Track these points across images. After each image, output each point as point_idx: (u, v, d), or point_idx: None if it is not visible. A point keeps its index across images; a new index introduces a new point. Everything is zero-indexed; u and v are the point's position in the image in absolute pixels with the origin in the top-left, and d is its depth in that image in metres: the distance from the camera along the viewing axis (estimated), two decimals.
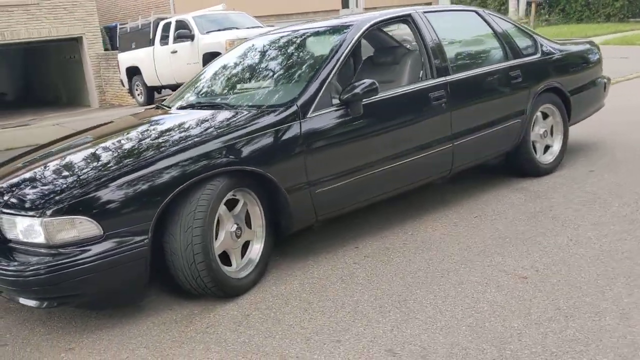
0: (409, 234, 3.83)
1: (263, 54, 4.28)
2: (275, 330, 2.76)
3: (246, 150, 3.13)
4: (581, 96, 5.04)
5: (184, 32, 12.24)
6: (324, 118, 3.41)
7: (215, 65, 4.53)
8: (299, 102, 3.37)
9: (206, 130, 3.26)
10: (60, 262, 2.61)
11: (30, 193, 2.88)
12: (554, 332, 2.51)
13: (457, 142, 4.05)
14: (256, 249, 3.30)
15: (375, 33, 4.35)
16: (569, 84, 4.88)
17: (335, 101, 3.51)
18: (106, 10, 23.04)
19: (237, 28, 12.36)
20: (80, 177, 2.88)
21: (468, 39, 4.68)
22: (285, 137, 3.26)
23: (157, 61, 13.13)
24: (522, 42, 4.68)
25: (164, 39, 13.11)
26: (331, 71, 3.54)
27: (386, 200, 4.03)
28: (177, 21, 12.90)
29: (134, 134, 3.56)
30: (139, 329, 2.92)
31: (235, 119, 3.37)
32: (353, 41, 3.74)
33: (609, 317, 2.59)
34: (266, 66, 4.12)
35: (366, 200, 3.76)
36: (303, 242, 3.82)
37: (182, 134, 3.29)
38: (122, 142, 3.39)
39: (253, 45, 4.46)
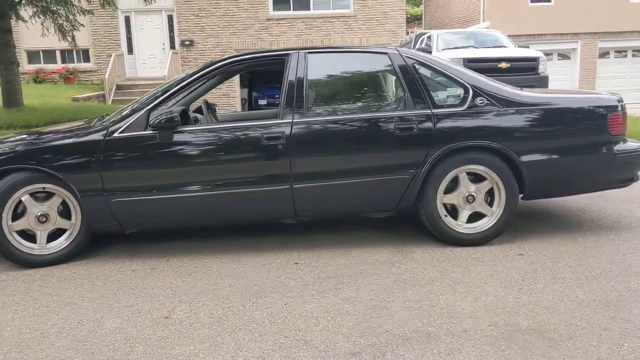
0: (220, 262, 4.07)
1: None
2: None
3: (47, 155, 3.96)
4: (552, 163, 4.15)
5: (422, 49, 12.66)
6: (130, 139, 3.98)
7: None
8: (111, 125, 4.03)
9: (44, 135, 4.22)
10: None
11: None
12: None
13: (298, 186, 4.01)
14: (65, 237, 4.12)
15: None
16: (523, 146, 4.10)
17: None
18: (430, 18, 24.37)
19: (475, 47, 12.18)
20: None
21: (358, 84, 4.39)
22: (86, 149, 3.96)
23: None
24: (442, 93, 4.17)
25: None
26: (150, 102, 4.05)
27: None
28: (428, 37, 13.36)
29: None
30: None
31: (71, 130, 4.23)
32: (188, 80, 4.13)
33: None
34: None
35: (182, 221, 4.13)
36: (155, 247, 4.45)
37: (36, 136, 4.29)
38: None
39: None
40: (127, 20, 19.18)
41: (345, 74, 4.36)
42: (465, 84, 4.10)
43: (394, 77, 4.12)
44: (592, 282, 3.43)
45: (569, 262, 3.78)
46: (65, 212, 4.10)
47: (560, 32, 19.51)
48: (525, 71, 11.04)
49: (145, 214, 4.04)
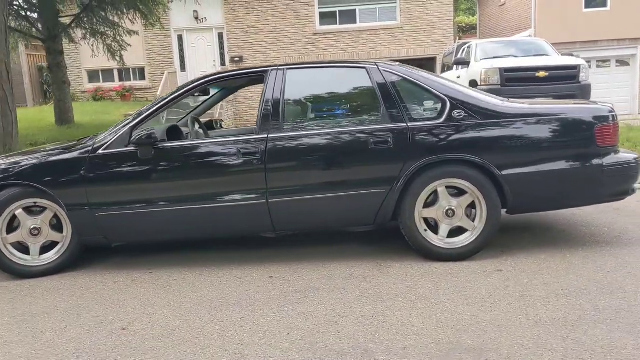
0: (199, 275, 4.17)
1: None
2: None
3: (36, 171, 4.18)
4: (535, 177, 4.02)
5: (461, 59, 12.50)
6: (112, 156, 4.15)
7: None
8: (95, 142, 4.22)
9: (35, 152, 4.45)
10: None
11: None
12: None
13: (275, 200, 4.06)
14: (56, 249, 4.33)
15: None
16: (503, 159, 4.01)
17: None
18: (484, 27, 23.96)
19: (514, 56, 11.91)
20: None
21: (335, 98, 4.38)
22: (72, 165, 4.15)
23: None
24: (419, 106, 4.13)
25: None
26: (132, 120, 4.22)
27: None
28: (468, 47, 13.18)
29: None
30: None
31: (61, 147, 4.45)
32: (171, 97, 4.26)
33: None
34: None
35: (166, 234, 4.24)
36: (146, 259, 4.60)
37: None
38: None
39: None
40: (180, 38, 19.84)
41: (322, 89, 4.38)
42: (443, 96, 4.04)
43: (372, 91, 4.10)
44: (561, 300, 3.30)
45: (546, 279, 3.64)
46: (58, 226, 4.28)
47: (618, 37, 18.73)
48: (565, 80, 10.70)
49: (128, 227, 4.18)
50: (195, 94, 4.62)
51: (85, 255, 4.51)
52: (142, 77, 20.17)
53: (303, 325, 3.15)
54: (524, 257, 4.09)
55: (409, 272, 3.91)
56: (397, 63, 4.33)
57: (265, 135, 4.03)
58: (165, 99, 4.25)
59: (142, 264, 4.42)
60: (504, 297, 3.39)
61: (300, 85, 4.22)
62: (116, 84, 19.94)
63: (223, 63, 19.63)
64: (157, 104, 4.24)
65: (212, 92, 5.44)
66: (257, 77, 4.31)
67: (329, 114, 4.29)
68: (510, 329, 2.95)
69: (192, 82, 4.32)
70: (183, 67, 19.91)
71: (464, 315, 3.16)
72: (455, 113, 3.98)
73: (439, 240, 4.06)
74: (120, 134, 4.15)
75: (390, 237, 4.63)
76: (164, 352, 2.92)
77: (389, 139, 3.96)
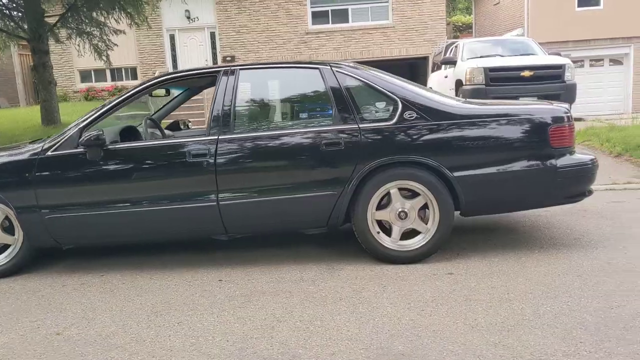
0: (150, 279, 4.12)
1: None
2: None
3: None
4: (487, 178, 3.96)
5: (448, 58, 12.44)
6: (61, 157, 4.10)
7: None
8: (45, 142, 4.18)
9: None
10: None
11: None
12: None
13: (225, 203, 4.01)
14: (8, 252, 4.29)
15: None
16: (455, 160, 3.95)
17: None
18: (479, 26, 23.88)
19: (501, 56, 11.85)
20: None
21: (288, 99, 4.33)
22: (22, 166, 4.11)
23: (434, 85, 13.62)
24: (372, 107, 4.08)
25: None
26: (82, 121, 4.17)
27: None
28: (455, 46, 13.12)
29: None
30: None
31: (11, 148, 4.40)
32: (118, 100, 4.21)
33: None
34: None
35: (116, 237, 4.20)
36: (101, 262, 4.57)
37: None
38: None
39: None
40: (172, 38, 19.81)
41: (275, 90, 4.33)
42: (395, 97, 3.99)
43: (324, 93, 4.04)
44: (503, 305, 3.24)
45: (493, 283, 3.59)
46: (10, 229, 4.24)
47: (611, 36, 18.64)
48: (550, 79, 10.64)
49: (77, 230, 4.14)
50: (151, 94, 4.55)
51: (41, 257, 4.47)
52: (134, 77, 20.15)
53: (239, 330, 3.10)
54: (478, 259, 4.03)
55: (359, 275, 3.85)
56: (353, 64, 4.28)
57: (216, 137, 3.98)
58: (118, 99, 4.21)
59: (96, 267, 4.38)
60: (447, 301, 3.33)
61: (252, 86, 4.17)
62: (108, 83, 19.92)
63: (215, 62, 19.58)
64: (108, 105, 4.20)
65: (177, 92, 5.39)
66: (210, 76, 4.24)
67: (281, 115, 4.24)
68: (444, 334, 2.90)
69: (146, 82, 4.26)
70: (175, 67, 19.88)
71: (402, 319, 3.11)
72: (407, 114, 3.92)
73: (391, 242, 4.00)
74: (69, 135, 4.10)
75: (346, 239, 4.57)
76: (92, 357, 2.88)
77: (340, 141, 3.91)
